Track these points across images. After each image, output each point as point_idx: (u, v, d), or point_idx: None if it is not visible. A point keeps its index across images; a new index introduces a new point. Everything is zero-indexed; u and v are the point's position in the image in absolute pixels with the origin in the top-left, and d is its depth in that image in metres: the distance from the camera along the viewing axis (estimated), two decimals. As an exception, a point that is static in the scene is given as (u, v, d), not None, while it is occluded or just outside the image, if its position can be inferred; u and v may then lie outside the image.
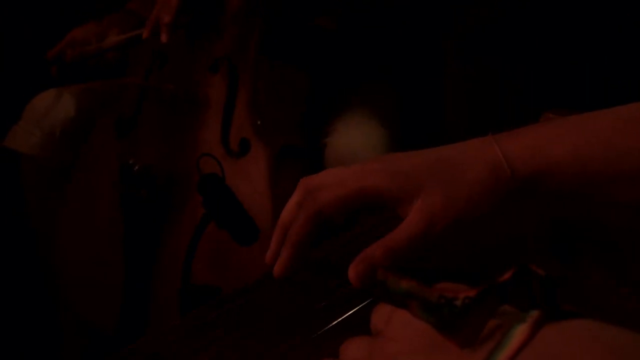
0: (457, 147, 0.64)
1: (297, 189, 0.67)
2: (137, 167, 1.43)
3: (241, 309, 0.65)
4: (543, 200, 0.62)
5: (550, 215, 0.67)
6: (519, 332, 0.38)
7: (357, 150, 1.45)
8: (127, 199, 1.47)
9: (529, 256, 0.66)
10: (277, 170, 1.41)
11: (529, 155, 0.61)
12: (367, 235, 0.72)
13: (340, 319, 0.61)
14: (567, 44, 1.38)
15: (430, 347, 0.42)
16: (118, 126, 1.56)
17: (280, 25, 1.48)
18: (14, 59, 1.82)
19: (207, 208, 0.93)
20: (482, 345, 0.40)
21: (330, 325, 0.60)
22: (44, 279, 1.66)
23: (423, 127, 1.63)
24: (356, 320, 0.60)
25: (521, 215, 0.63)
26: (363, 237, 0.73)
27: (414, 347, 0.43)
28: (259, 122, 1.44)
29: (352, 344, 0.49)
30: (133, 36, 1.48)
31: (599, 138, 0.60)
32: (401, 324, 0.45)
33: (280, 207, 0.69)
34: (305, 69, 1.51)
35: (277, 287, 0.67)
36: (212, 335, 0.62)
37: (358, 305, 0.61)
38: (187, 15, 1.45)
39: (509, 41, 1.51)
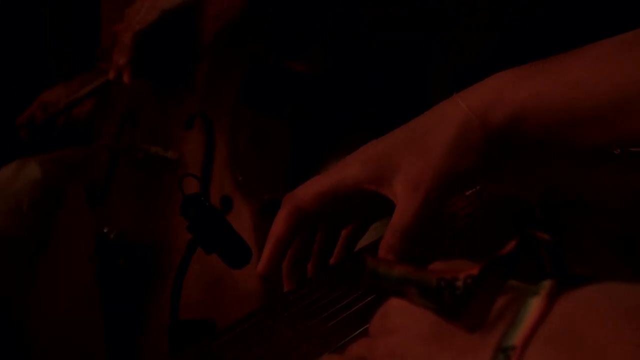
0: (424, 116, 0.65)
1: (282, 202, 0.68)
2: (112, 236, 1.37)
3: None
4: (522, 152, 0.61)
5: (537, 175, 0.67)
6: (534, 307, 0.34)
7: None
8: (104, 270, 1.39)
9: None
10: (262, 228, 1.33)
11: (496, 103, 0.60)
12: None
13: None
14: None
15: (433, 335, 0.38)
16: (90, 194, 1.49)
17: (257, 73, 1.41)
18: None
19: (193, 232, 0.88)
20: (492, 327, 0.36)
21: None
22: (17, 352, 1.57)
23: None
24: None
25: (510, 174, 0.63)
26: None
27: (414, 336, 0.39)
28: (240, 178, 1.36)
29: (356, 343, 0.45)
30: (99, 85, 1.42)
31: (564, 78, 0.59)
32: (399, 313, 0.41)
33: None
34: (287, 118, 1.44)
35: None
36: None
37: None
38: (150, 57, 1.38)
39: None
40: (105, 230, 1.37)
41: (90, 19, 1.57)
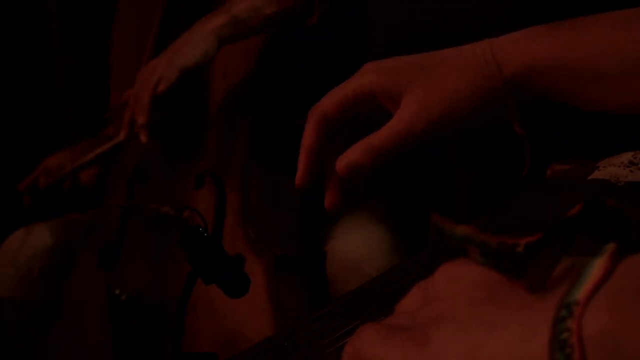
0: (453, 49, 0.65)
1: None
2: (124, 297, 1.35)
3: None
4: (529, 99, 0.62)
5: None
6: (597, 266, 0.34)
7: (360, 257, 1.36)
8: (116, 332, 1.38)
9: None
10: (275, 284, 1.31)
11: (517, 51, 0.61)
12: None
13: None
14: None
15: (489, 297, 0.37)
16: (101, 256, 1.47)
17: (265, 129, 1.41)
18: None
19: (192, 264, 0.88)
20: (554, 287, 0.35)
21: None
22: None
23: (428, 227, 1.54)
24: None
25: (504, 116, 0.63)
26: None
27: (466, 299, 0.38)
28: (251, 234, 1.35)
29: (392, 316, 0.42)
30: (108, 148, 1.41)
31: (588, 36, 0.59)
32: (447, 281, 0.40)
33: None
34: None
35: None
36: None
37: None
38: (163, 116, 1.38)
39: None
40: (117, 292, 1.35)
41: (103, 78, 1.58)
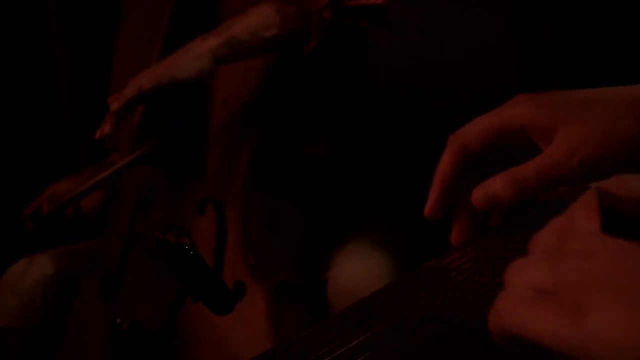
0: (620, 87, 0.60)
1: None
2: (125, 326, 1.35)
3: None
4: None
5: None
6: None
7: (361, 284, 1.35)
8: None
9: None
10: (277, 312, 1.30)
11: None
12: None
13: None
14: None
15: None
16: (103, 285, 1.47)
17: (266, 155, 1.41)
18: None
19: (181, 281, 0.87)
20: None
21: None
22: None
23: (432, 254, 1.54)
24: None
25: None
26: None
27: (623, 261, 0.33)
28: (252, 262, 1.35)
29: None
30: (107, 175, 1.42)
31: None
32: (592, 232, 0.36)
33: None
34: (299, 200, 1.44)
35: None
36: None
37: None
38: (155, 144, 1.39)
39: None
40: (118, 321, 1.35)
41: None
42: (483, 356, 0.51)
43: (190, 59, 1.30)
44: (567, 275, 0.35)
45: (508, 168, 0.62)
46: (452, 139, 0.64)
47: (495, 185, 0.59)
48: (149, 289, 1.42)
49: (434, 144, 1.86)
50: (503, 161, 0.62)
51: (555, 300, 0.34)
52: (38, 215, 1.50)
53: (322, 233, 1.45)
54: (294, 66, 1.42)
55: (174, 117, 1.43)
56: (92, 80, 2.02)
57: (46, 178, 1.58)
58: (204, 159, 1.42)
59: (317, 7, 1.34)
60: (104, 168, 1.50)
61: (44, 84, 1.89)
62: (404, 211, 1.55)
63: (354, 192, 1.53)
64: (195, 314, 1.37)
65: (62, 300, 1.52)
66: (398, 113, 1.82)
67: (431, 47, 1.83)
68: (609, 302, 0.32)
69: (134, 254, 1.46)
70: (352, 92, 1.54)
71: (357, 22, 1.40)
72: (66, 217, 1.52)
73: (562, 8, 1.70)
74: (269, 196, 1.41)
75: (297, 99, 1.44)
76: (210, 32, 1.34)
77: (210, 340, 1.28)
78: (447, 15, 1.84)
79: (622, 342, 0.31)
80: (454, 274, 0.62)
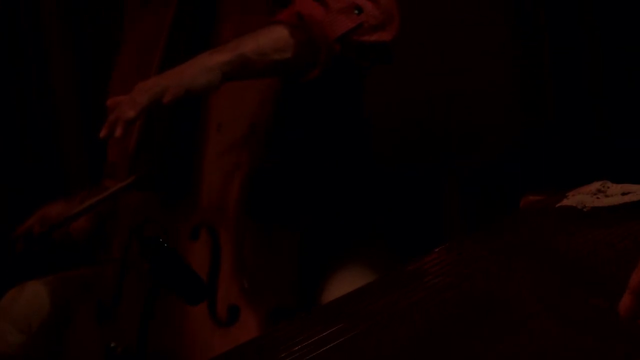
0: None
1: None
2: (119, 350, 1.35)
3: None
4: None
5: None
6: None
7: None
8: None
9: None
10: (270, 337, 1.30)
11: None
12: None
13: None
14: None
15: None
16: (99, 310, 1.48)
17: (260, 183, 1.41)
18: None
19: (154, 273, 0.89)
20: None
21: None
22: None
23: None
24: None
25: None
26: None
27: None
28: (246, 285, 1.36)
29: None
30: (99, 199, 1.42)
31: None
32: None
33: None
34: (293, 225, 1.44)
35: None
36: None
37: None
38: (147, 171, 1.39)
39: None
40: (112, 345, 1.35)
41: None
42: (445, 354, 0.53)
43: (201, 71, 1.29)
44: None
45: None
46: None
47: None
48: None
49: (426, 172, 1.88)
50: None
51: None
52: (29, 236, 1.50)
53: (315, 258, 1.45)
54: (289, 93, 1.42)
55: (169, 143, 1.43)
56: (91, 101, 2.04)
57: (42, 193, 1.59)
58: (198, 184, 1.42)
59: (328, 39, 1.34)
60: (96, 193, 1.50)
61: (43, 104, 1.90)
62: (394, 235, 1.55)
63: (347, 218, 1.53)
64: (190, 338, 1.38)
65: (58, 327, 1.52)
66: (391, 142, 1.82)
67: (424, 80, 1.84)
68: None
69: (129, 279, 1.47)
70: (345, 121, 1.55)
71: (363, 58, 1.40)
72: (55, 239, 1.52)
73: (563, 18, 1.70)
74: (262, 223, 1.41)
75: (290, 125, 1.44)
76: (219, 47, 1.34)
77: None
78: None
79: None
80: (426, 275, 0.63)
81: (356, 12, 1.35)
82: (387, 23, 1.39)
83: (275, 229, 1.42)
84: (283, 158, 1.43)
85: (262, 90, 1.41)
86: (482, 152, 1.81)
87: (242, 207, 1.39)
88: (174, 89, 1.27)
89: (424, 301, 0.57)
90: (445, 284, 0.59)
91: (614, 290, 0.55)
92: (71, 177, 2.03)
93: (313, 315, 0.65)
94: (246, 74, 1.35)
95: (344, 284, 1.39)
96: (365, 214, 1.57)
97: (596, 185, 0.72)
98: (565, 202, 0.72)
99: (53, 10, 2.03)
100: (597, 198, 0.69)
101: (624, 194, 0.71)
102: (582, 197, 0.70)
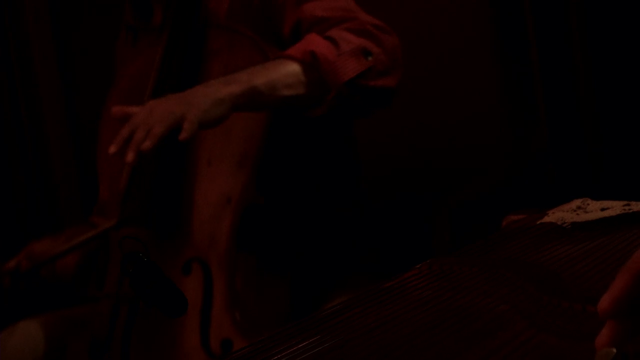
0: None
1: None
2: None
3: None
4: None
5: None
6: None
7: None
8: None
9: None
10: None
11: None
12: None
13: None
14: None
15: None
16: (92, 348, 1.47)
17: (251, 219, 1.42)
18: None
19: (134, 288, 0.90)
20: None
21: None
22: None
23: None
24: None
25: None
26: None
27: None
28: (238, 319, 1.36)
29: None
30: (87, 238, 1.43)
31: None
32: None
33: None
34: (285, 260, 1.45)
35: None
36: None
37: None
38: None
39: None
40: (105, 382, 1.35)
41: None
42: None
43: (213, 103, 1.27)
44: None
45: None
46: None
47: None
48: (137, 349, 1.42)
49: (418, 203, 1.88)
50: None
51: None
52: (16, 273, 1.50)
53: (307, 291, 1.46)
54: (281, 127, 1.43)
55: (160, 179, 1.44)
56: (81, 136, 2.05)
57: (34, 228, 1.60)
58: (189, 218, 1.43)
59: (337, 82, 1.35)
60: (83, 231, 1.51)
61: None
62: (386, 270, 1.55)
63: (339, 251, 1.54)
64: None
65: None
66: (382, 174, 1.84)
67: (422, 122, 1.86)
68: None
69: (122, 315, 1.46)
70: (336, 154, 1.56)
71: (366, 101, 1.42)
72: (41, 276, 1.52)
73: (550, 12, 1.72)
74: (254, 256, 1.42)
75: (280, 159, 1.45)
76: (228, 78, 1.32)
77: None
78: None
79: None
80: (407, 289, 0.65)
81: (366, 56, 1.37)
82: (392, 69, 1.41)
83: (267, 262, 1.43)
84: (274, 192, 1.44)
85: (250, 124, 1.41)
86: (474, 184, 1.83)
87: (233, 241, 1.40)
88: (189, 125, 1.24)
89: (402, 312, 0.59)
90: (425, 297, 0.60)
91: (592, 296, 0.56)
92: (62, 211, 2.04)
93: (290, 329, 0.66)
94: (254, 106, 1.34)
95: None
96: (356, 246, 1.58)
97: (576, 202, 0.73)
98: (546, 219, 0.74)
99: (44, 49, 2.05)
100: (577, 214, 0.71)
101: (602, 209, 0.73)
102: (563, 214, 0.72)
